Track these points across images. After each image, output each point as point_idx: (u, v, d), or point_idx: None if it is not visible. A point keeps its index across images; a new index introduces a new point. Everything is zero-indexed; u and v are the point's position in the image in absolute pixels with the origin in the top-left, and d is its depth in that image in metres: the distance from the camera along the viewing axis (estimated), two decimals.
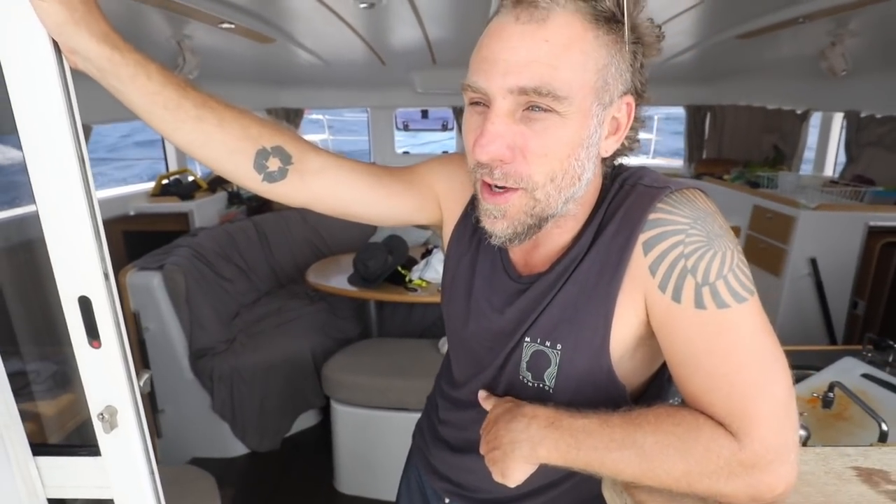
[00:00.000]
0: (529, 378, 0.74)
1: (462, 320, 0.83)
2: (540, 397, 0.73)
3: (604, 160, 0.69)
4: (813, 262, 2.82)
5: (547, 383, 0.72)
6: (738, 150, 4.25)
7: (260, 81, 4.09)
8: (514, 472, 0.68)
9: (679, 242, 0.61)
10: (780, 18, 2.59)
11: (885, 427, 1.04)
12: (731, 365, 0.59)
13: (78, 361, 0.71)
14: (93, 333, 0.69)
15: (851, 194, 2.94)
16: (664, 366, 0.75)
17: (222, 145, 0.72)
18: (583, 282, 0.68)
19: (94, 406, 0.73)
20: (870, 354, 1.45)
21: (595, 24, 0.60)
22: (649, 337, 0.68)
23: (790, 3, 2.42)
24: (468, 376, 0.85)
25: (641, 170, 0.72)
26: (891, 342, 1.42)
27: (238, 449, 2.61)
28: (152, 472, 0.78)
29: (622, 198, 0.69)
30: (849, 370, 1.41)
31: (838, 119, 3.45)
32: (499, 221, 0.66)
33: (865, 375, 1.38)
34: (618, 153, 0.70)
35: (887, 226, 2.74)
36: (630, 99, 0.66)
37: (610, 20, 0.61)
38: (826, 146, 3.57)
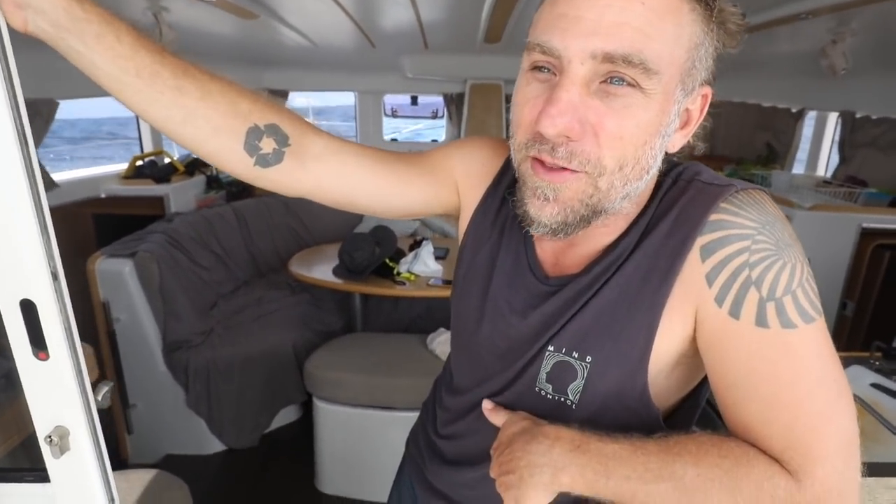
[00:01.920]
0: (549, 390, 0.65)
1: (474, 321, 0.73)
2: (558, 411, 0.64)
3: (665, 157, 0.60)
4: None
5: (570, 397, 0.63)
6: (731, 147, 4.21)
7: (243, 61, 3.92)
8: (530, 500, 0.59)
9: (744, 249, 0.53)
10: (782, 14, 2.53)
11: None
12: (794, 394, 0.51)
13: (21, 376, 0.60)
14: (38, 343, 0.59)
15: (845, 195, 2.92)
16: (698, 387, 0.67)
17: (206, 122, 0.60)
18: (624, 287, 0.59)
19: (42, 427, 0.62)
20: (877, 363, 1.40)
21: None
22: (692, 355, 0.59)
23: None
24: (471, 384, 0.76)
25: (697, 165, 0.63)
26: None
27: (214, 446, 2.49)
28: (112, 500, 0.68)
29: (676, 194, 0.60)
30: (857, 379, 1.35)
31: (833, 119, 3.43)
32: (549, 205, 0.56)
33: (875, 385, 1.33)
34: (680, 151, 0.61)
35: (880, 227, 2.72)
36: (708, 90, 0.57)
37: None
38: (820, 145, 3.55)
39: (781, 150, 3.70)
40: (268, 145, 0.64)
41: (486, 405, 0.70)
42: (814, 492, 0.50)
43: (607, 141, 0.52)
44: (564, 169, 0.54)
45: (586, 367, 0.61)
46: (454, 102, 4.56)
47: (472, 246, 0.75)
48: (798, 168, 3.72)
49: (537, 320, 0.66)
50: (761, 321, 0.52)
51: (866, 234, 2.74)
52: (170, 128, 0.61)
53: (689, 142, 0.60)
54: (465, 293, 0.75)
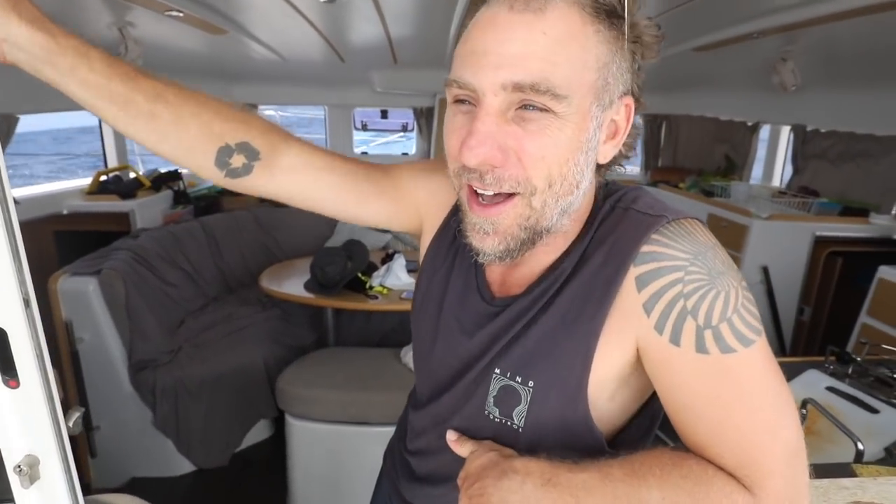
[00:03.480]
0: (496, 414, 0.67)
1: (430, 340, 0.76)
2: (506, 435, 0.66)
3: (599, 168, 0.63)
4: (765, 269, 2.91)
5: (516, 422, 0.65)
6: (691, 158, 4.37)
7: (210, 75, 3.88)
8: None
9: (678, 280, 0.55)
10: (735, 33, 2.66)
11: (860, 446, 1.04)
12: (739, 413, 0.54)
13: None
14: (9, 371, 0.58)
15: (799, 205, 3.06)
16: (650, 404, 0.68)
17: (179, 143, 0.65)
18: (563, 314, 0.61)
19: (11, 456, 0.61)
20: (832, 367, 1.47)
21: (595, 17, 0.54)
22: (634, 378, 0.62)
23: (746, 18, 2.49)
24: (428, 399, 0.78)
25: (636, 191, 0.65)
26: (853, 355, 1.45)
27: (183, 466, 2.43)
28: None
29: (613, 222, 0.62)
30: (814, 383, 1.42)
31: (786, 132, 3.59)
32: (489, 238, 0.59)
33: (830, 388, 1.39)
34: (614, 160, 0.64)
35: (832, 236, 2.86)
36: (630, 100, 0.60)
37: (611, 14, 0.55)
38: (774, 157, 3.71)
39: (739, 161, 3.86)
40: (238, 161, 0.68)
41: (451, 436, 0.71)
42: (768, 503, 0.53)
43: (531, 162, 0.55)
44: (497, 201, 0.57)
45: (529, 391, 0.63)
46: (424, 116, 4.60)
47: (430, 269, 0.78)
48: (755, 178, 3.88)
49: (482, 340, 0.68)
50: (701, 348, 0.54)
51: (820, 242, 2.88)
52: (147, 146, 0.65)
53: (620, 151, 0.63)
54: (422, 313, 0.78)
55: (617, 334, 0.58)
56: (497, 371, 0.65)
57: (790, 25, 2.40)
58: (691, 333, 0.54)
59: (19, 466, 0.61)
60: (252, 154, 0.68)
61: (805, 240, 2.88)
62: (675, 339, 0.55)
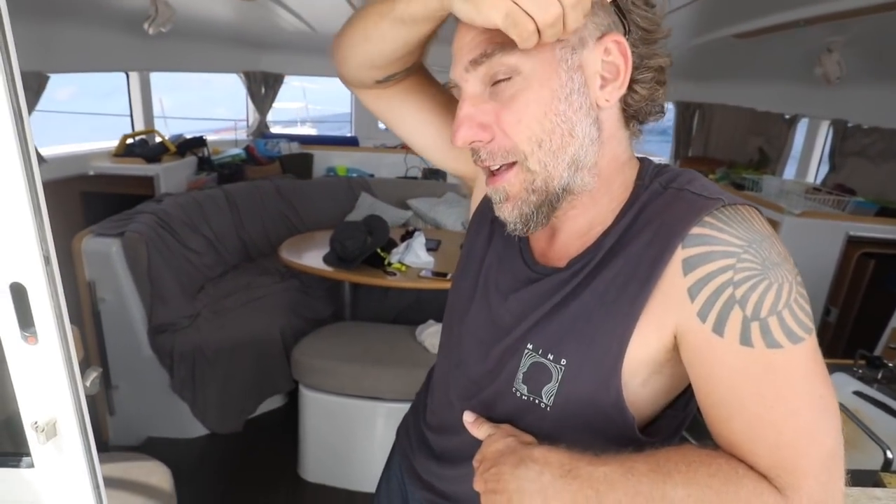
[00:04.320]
0: (524, 391, 0.65)
1: (467, 299, 0.76)
2: (530, 412, 0.64)
3: (629, 121, 0.63)
4: None
5: (544, 400, 0.63)
6: (723, 149, 4.24)
7: (239, 42, 3.86)
8: None
9: (728, 267, 0.52)
10: (780, 20, 2.55)
11: (890, 455, 1.00)
12: (779, 412, 0.51)
13: (8, 359, 0.59)
14: (27, 328, 0.57)
15: (834, 203, 2.95)
16: (682, 397, 0.66)
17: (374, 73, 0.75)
18: (603, 292, 0.59)
19: (28, 413, 0.61)
20: (861, 371, 1.42)
21: None
22: (669, 366, 0.59)
23: (793, 5, 2.38)
24: (455, 366, 0.77)
25: (689, 173, 0.63)
26: (884, 359, 1.40)
27: (197, 429, 2.48)
28: (97, 487, 0.67)
29: (664, 203, 0.59)
30: (841, 387, 1.38)
31: (824, 126, 3.46)
32: (504, 205, 0.63)
33: (857, 393, 1.35)
34: (643, 105, 0.61)
35: (866, 236, 2.76)
36: (617, 37, 0.57)
37: None
38: (811, 153, 3.58)
39: (773, 155, 3.73)
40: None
41: (468, 417, 0.70)
42: None
43: (512, 130, 0.58)
44: (500, 171, 0.61)
45: (561, 369, 0.61)
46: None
47: (475, 228, 0.79)
48: (788, 174, 3.76)
49: (516, 305, 0.67)
50: (745, 340, 0.52)
51: (853, 242, 2.78)
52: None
53: (640, 93, 0.60)
54: (463, 273, 0.78)
55: (657, 318, 0.56)
56: (530, 346, 0.64)
57: (841, 13, 2.29)
58: (737, 324, 0.52)
59: (37, 423, 0.61)
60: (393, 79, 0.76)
61: (837, 239, 2.78)
62: (719, 329, 0.52)
